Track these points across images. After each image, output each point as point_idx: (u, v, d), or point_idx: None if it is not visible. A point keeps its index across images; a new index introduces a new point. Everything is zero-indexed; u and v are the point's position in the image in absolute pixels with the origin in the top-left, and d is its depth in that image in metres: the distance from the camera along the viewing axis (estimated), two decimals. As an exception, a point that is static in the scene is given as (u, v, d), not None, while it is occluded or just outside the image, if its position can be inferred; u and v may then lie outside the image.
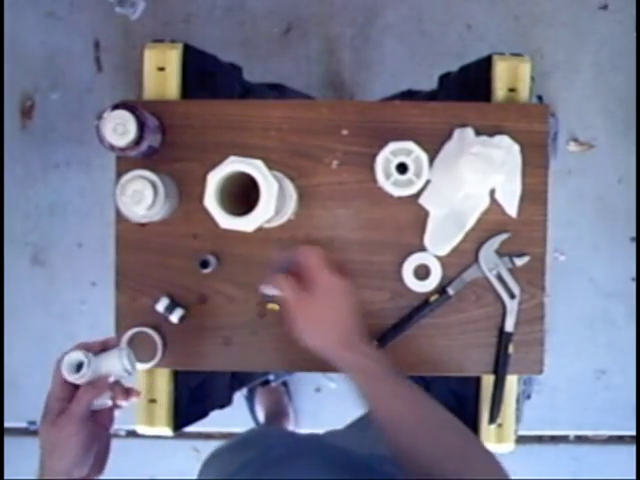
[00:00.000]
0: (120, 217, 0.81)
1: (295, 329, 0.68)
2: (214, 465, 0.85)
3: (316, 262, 0.70)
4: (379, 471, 0.70)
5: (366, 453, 0.74)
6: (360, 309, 0.71)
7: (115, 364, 0.66)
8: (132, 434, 1.55)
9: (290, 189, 0.79)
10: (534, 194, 0.82)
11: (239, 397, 1.59)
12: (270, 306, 0.83)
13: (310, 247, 0.72)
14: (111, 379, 0.67)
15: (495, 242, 0.82)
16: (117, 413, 0.69)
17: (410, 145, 0.78)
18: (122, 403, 0.67)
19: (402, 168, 0.78)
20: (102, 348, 0.68)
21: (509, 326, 0.82)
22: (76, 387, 0.65)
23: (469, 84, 0.90)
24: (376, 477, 0.69)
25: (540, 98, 1.54)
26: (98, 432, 0.66)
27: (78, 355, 0.65)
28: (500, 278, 0.82)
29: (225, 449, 0.89)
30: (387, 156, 0.78)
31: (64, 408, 0.63)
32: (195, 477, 0.84)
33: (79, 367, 0.65)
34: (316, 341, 0.68)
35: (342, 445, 0.79)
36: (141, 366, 0.84)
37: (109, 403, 0.67)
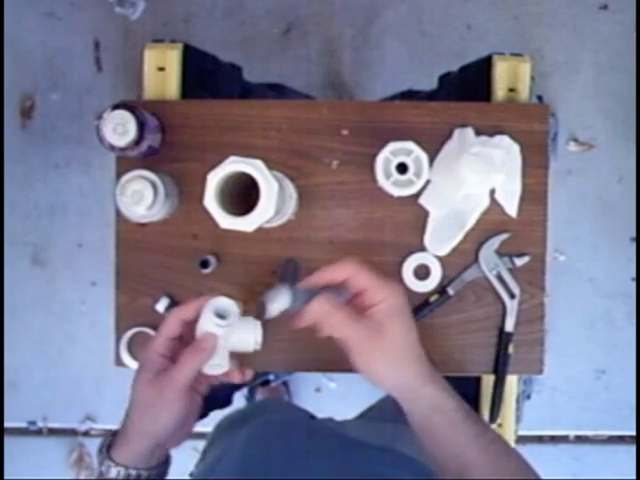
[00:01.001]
0: (120, 217, 0.81)
1: (365, 371, 0.56)
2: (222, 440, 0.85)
3: (365, 279, 0.56)
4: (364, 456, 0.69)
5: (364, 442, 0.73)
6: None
7: (247, 336, 0.60)
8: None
9: (290, 189, 0.79)
10: (534, 194, 0.82)
11: (239, 397, 1.59)
12: (270, 306, 0.83)
13: (348, 260, 0.57)
14: (233, 350, 0.60)
15: (495, 242, 0.82)
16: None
17: (410, 145, 0.78)
18: (235, 380, 0.60)
19: (402, 168, 0.78)
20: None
21: (509, 326, 0.82)
22: (181, 346, 0.58)
23: (469, 84, 0.90)
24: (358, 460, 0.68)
25: (540, 98, 1.54)
26: (197, 403, 0.60)
27: (228, 303, 0.59)
28: (500, 278, 0.82)
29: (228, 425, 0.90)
30: (387, 156, 0.78)
31: (166, 367, 0.57)
32: (195, 469, 0.85)
33: (225, 316, 0.58)
34: (392, 380, 0.56)
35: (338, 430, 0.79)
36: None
37: (221, 370, 0.59)
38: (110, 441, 0.59)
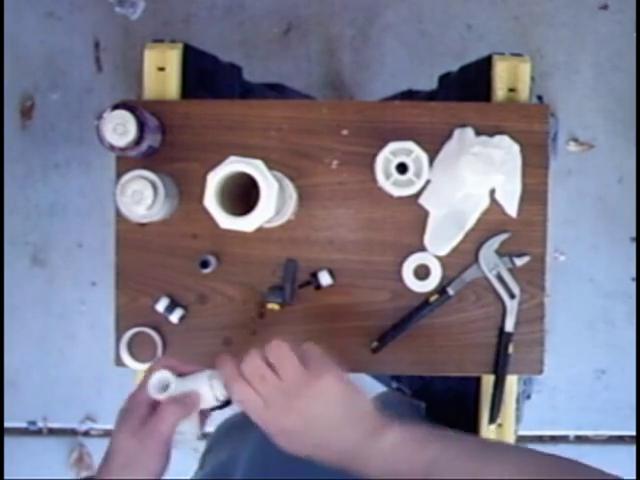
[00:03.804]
0: (120, 217, 0.81)
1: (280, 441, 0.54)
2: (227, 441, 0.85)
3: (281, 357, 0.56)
4: None
5: None
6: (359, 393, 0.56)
7: (204, 388, 0.58)
8: (132, 434, 1.55)
9: (290, 189, 0.79)
10: (534, 194, 0.82)
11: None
12: (270, 306, 0.83)
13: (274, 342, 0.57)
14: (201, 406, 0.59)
15: (495, 242, 0.82)
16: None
17: (410, 145, 0.78)
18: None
19: (402, 168, 0.79)
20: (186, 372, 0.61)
21: (509, 326, 0.82)
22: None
23: (469, 84, 0.90)
24: None
25: (540, 98, 1.54)
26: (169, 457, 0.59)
27: (165, 375, 0.58)
28: (500, 278, 0.82)
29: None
30: (387, 156, 0.78)
31: (146, 419, 0.56)
32: (194, 476, 0.84)
33: (164, 388, 0.58)
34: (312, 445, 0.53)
35: None
36: (141, 366, 0.84)
37: (196, 434, 0.59)
38: None
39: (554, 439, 1.66)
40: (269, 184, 0.66)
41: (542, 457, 0.52)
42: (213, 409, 0.61)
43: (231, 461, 0.75)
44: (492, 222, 0.83)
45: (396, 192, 0.79)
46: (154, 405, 0.58)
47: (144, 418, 0.57)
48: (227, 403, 0.60)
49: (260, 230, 0.70)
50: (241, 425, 0.89)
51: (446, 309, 0.83)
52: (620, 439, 1.65)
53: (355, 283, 0.84)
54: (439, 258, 0.83)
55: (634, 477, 1.47)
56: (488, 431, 0.86)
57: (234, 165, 0.66)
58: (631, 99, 1.56)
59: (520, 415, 0.89)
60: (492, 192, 0.82)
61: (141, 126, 0.74)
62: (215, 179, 0.66)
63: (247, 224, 0.67)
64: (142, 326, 0.84)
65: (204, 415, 0.61)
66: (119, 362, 0.85)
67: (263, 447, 0.73)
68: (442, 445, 0.52)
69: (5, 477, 1.33)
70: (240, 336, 0.84)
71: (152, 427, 0.56)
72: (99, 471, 0.57)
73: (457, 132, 0.82)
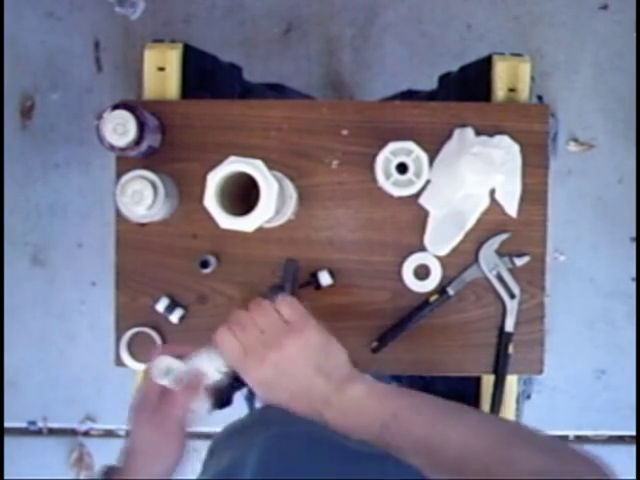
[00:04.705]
0: (120, 217, 0.82)
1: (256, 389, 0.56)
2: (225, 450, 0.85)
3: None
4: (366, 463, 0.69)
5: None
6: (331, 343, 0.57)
7: (205, 364, 0.60)
8: (132, 434, 1.55)
9: (290, 189, 0.79)
10: (534, 194, 0.83)
11: (239, 397, 1.59)
12: (270, 306, 0.83)
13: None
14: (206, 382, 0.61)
15: (495, 242, 0.82)
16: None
17: (410, 145, 0.78)
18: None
19: (402, 168, 0.79)
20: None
21: (509, 326, 0.82)
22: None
23: (469, 84, 0.90)
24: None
25: (540, 98, 1.54)
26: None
27: (167, 360, 0.60)
28: (500, 278, 0.82)
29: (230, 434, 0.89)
30: (387, 156, 0.78)
31: (158, 407, 0.59)
32: (194, 477, 0.84)
33: (168, 372, 0.60)
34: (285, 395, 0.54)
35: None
36: (141, 366, 0.84)
37: (206, 408, 0.62)
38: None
39: (554, 439, 1.66)
40: (269, 184, 0.66)
41: (500, 425, 0.54)
42: (229, 390, 0.63)
43: (235, 466, 0.75)
44: (492, 222, 0.83)
45: (396, 192, 0.79)
46: (162, 393, 0.60)
47: (156, 406, 0.59)
48: (236, 380, 0.61)
49: (260, 230, 0.70)
50: (242, 430, 0.88)
51: (446, 309, 0.83)
52: (620, 439, 1.65)
53: (355, 283, 0.84)
54: (439, 258, 0.83)
55: (634, 477, 1.47)
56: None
57: (234, 165, 0.66)
58: (631, 99, 1.56)
59: (520, 415, 0.89)
60: (492, 192, 0.82)
61: (141, 126, 0.74)
62: (215, 179, 0.67)
63: (247, 224, 0.67)
64: (142, 326, 0.84)
65: (214, 391, 0.62)
66: (119, 362, 0.85)
67: (271, 450, 0.73)
68: (405, 402, 0.53)
69: (5, 477, 1.33)
70: (240, 336, 0.84)
71: (166, 412, 0.58)
72: (122, 464, 0.59)
73: (457, 132, 0.82)
